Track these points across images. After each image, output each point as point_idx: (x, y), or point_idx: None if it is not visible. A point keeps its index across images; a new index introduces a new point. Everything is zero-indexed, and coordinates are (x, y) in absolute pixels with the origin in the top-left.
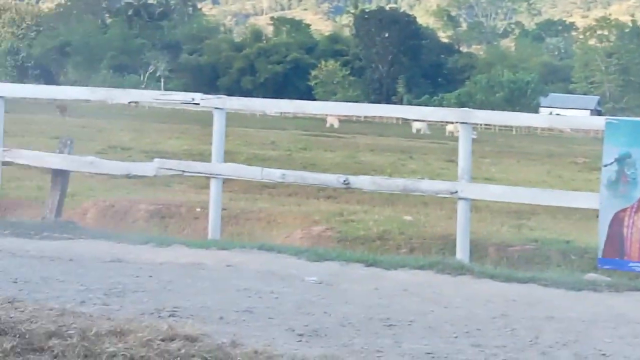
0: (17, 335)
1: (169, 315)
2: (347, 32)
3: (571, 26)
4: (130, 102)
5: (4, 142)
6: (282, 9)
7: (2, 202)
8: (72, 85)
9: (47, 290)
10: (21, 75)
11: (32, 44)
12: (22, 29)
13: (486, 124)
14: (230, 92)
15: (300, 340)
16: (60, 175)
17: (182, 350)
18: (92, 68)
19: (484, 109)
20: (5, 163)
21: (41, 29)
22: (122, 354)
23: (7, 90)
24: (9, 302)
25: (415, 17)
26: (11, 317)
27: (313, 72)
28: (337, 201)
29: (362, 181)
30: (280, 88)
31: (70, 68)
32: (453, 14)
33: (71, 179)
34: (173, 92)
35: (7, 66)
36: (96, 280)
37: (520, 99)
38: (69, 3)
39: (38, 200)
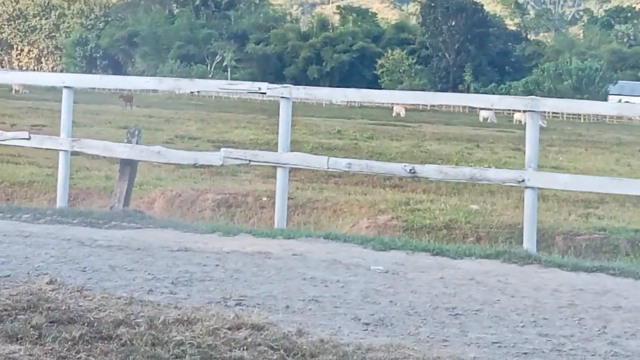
0: (86, 324)
1: (236, 304)
2: (413, 21)
3: None
4: (192, 92)
5: (73, 132)
6: None
7: (71, 192)
8: (139, 75)
9: (115, 279)
10: (90, 65)
11: (100, 35)
12: (90, 20)
13: (554, 112)
14: (297, 82)
15: (366, 329)
16: (128, 165)
17: (249, 339)
18: (159, 58)
19: (552, 97)
20: (74, 153)
21: (109, 19)
22: (189, 343)
23: (75, 80)
24: (77, 291)
25: (482, 5)
26: (80, 306)
27: (379, 61)
28: (403, 190)
29: (428, 170)
30: (346, 77)
31: (137, 58)
32: (520, 1)
33: (139, 168)
34: (239, 82)
35: (75, 57)
36: (164, 269)
37: (589, 86)
38: None
39: (106, 190)
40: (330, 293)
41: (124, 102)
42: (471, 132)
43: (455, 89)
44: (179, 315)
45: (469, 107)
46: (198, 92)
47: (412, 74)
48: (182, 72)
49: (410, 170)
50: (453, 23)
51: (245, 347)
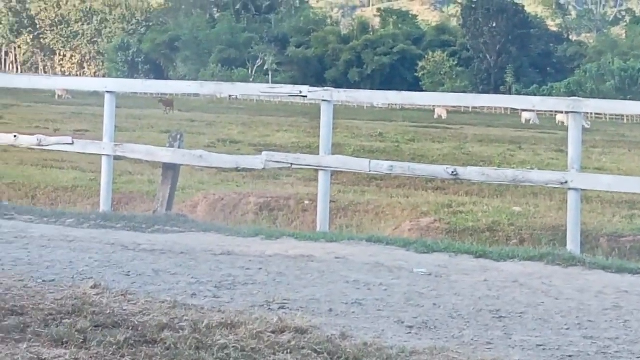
0: (130, 328)
1: (279, 308)
2: (454, 22)
3: None
4: (231, 96)
5: (115, 137)
6: (389, 0)
7: (115, 196)
8: (181, 79)
9: (159, 283)
10: (131, 70)
11: (142, 40)
12: (132, 25)
13: (597, 113)
14: (338, 85)
15: (409, 332)
16: (170, 169)
17: (292, 343)
18: (200, 62)
19: (594, 98)
20: (117, 158)
21: (151, 24)
22: (233, 346)
23: (117, 85)
24: (122, 295)
25: (523, 6)
26: (124, 310)
27: (420, 63)
28: (446, 192)
29: (470, 172)
30: (387, 79)
31: (179, 62)
32: (562, 2)
33: (181, 172)
34: (281, 85)
35: (117, 62)
36: (207, 272)
37: (632, 87)
38: None
39: (149, 194)
40: (373, 296)
41: (164, 106)
42: (513, 134)
43: (496, 91)
44: (222, 318)
45: (511, 108)
46: (238, 96)
47: (454, 76)
48: (224, 76)
49: (453, 172)
50: (494, 24)
51: (289, 351)
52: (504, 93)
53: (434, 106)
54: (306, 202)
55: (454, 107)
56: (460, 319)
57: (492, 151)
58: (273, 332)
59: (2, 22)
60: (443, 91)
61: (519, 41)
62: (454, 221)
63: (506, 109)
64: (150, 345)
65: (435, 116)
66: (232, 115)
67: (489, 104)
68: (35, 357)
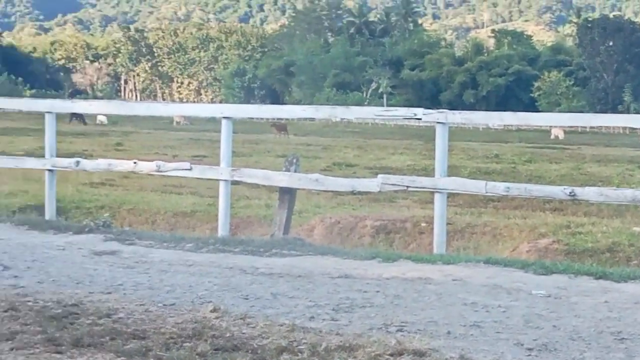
0: (250, 351)
1: (397, 330)
2: (569, 42)
3: None
4: (342, 119)
5: (232, 162)
6: (503, 21)
7: (233, 221)
8: (296, 104)
9: (277, 307)
10: (247, 95)
11: (257, 65)
12: (247, 51)
13: None
14: (452, 106)
15: (529, 355)
16: (287, 193)
17: None
18: (315, 87)
19: None
20: (234, 182)
21: (266, 50)
22: None
23: (233, 111)
24: (241, 319)
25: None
26: (243, 333)
27: (536, 84)
28: (564, 213)
29: (588, 192)
30: (502, 101)
31: (294, 87)
32: None
33: (298, 196)
34: (395, 108)
35: (234, 87)
36: (324, 295)
37: None
38: (292, 23)
39: (266, 218)
40: (491, 318)
41: (277, 131)
42: (632, 153)
43: (614, 110)
44: (340, 342)
45: (629, 128)
46: (353, 119)
47: (570, 96)
48: (339, 100)
49: (570, 193)
50: (611, 43)
51: None
52: (621, 112)
53: (550, 127)
54: (423, 224)
55: (570, 127)
56: (580, 341)
57: (610, 171)
58: (391, 355)
59: (122, 51)
60: (559, 111)
61: (637, 59)
62: (573, 242)
63: (624, 128)
64: None
65: (552, 137)
66: (347, 139)
67: (606, 124)
68: None
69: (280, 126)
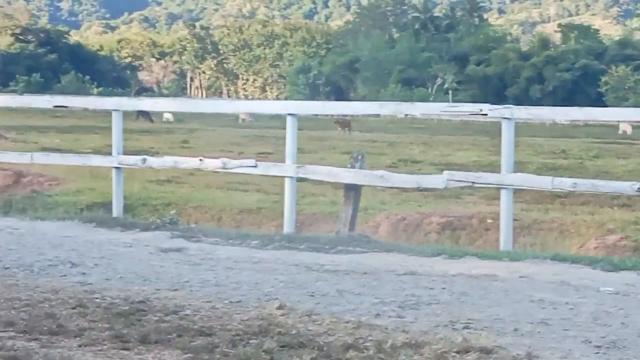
0: (316, 348)
1: (463, 327)
2: (637, 36)
3: None
4: (406, 115)
5: (297, 158)
6: (570, 15)
7: (298, 218)
8: (361, 100)
9: (343, 303)
10: (312, 92)
11: (322, 62)
12: (312, 48)
13: None
14: (518, 102)
15: (597, 352)
16: (352, 190)
17: None
18: (380, 83)
19: None
20: (299, 179)
21: (331, 46)
22: None
23: (298, 107)
24: (307, 316)
25: None
26: (309, 330)
27: (603, 78)
28: (632, 209)
29: None
30: (569, 96)
31: (359, 84)
32: None
33: (363, 192)
34: (461, 104)
35: (299, 84)
36: (390, 292)
37: None
38: (357, 20)
39: (332, 215)
40: (559, 315)
41: (340, 127)
42: None
43: None
44: (406, 339)
45: None
46: (418, 115)
47: (638, 90)
48: (404, 96)
49: (639, 188)
50: None
51: None
52: None
53: (618, 121)
54: (489, 220)
55: (638, 122)
56: None
57: None
58: (457, 352)
59: (187, 48)
60: (627, 106)
61: None
62: None
63: None
64: None
65: (620, 132)
66: (412, 135)
67: None
68: None
69: (344, 122)
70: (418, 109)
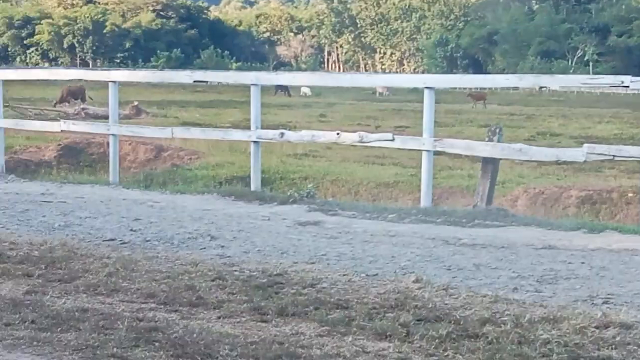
0: (452, 322)
1: (603, 302)
2: None
3: None
4: (541, 88)
5: (435, 132)
6: None
7: (435, 191)
8: (499, 73)
9: (479, 277)
10: (450, 65)
11: (460, 35)
12: (450, 21)
13: None
14: None
15: None
16: (490, 163)
17: (617, 338)
18: (519, 55)
19: None
20: (436, 153)
21: (469, 19)
22: (556, 341)
23: (436, 81)
24: (443, 289)
25: None
26: (446, 304)
27: None
28: None
29: None
30: None
31: (497, 56)
32: None
33: (501, 166)
34: (601, 76)
35: (436, 57)
36: (528, 267)
37: None
38: None
39: (469, 189)
40: None
41: (473, 100)
42: None
43: None
44: (544, 313)
45: None
46: (557, 88)
47: None
48: (543, 69)
49: None
50: None
51: (613, 346)
52: None
53: None
54: (630, 194)
55: None
56: None
57: None
58: (597, 328)
59: (325, 22)
60: None
61: None
62: None
63: None
64: (472, 340)
65: None
66: (552, 108)
67: None
68: (360, 349)
69: (478, 95)
70: (557, 82)
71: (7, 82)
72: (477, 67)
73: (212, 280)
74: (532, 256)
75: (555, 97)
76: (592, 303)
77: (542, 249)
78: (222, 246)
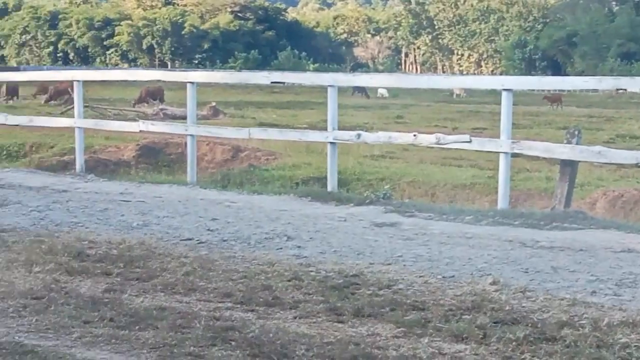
0: (530, 325)
1: None
2: None
3: None
4: (618, 90)
5: (512, 134)
6: None
7: (512, 194)
8: (578, 75)
9: (557, 280)
10: (528, 67)
11: (538, 36)
12: (529, 22)
13: None
14: None
15: None
16: (568, 166)
17: None
18: (598, 57)
19: None
20: (514, 155)
21: (548, 20)
22: (635, 345)
23: (514, 83)
24: (520, 292)
25: None
26: (523, 307)
27: None
28: None
29: None
30: None
31: (576, 58)
32: None
33: (579, 168)
34: None
35: (514, 59)
36: (607, 270)
37: None
38: None
39: (547, 191)
40: None
41: (549, 102)
42: None
43: None
44: (623, 317)
45: None
46: (634, 90)
47: None
48: (623, 71)
49: None
50: None
51: None
52: None
53: None
54: None
55: None
56: None
57: None
58: None
59: (402, 24)
60: None
61: None
62: None
63: None
64: (550, 343)
65: None
66: (632, 110)
67: None
68: (437, 351)
69: (553, 97)
70: (638, 84)
71: (87, 83)
72: (556, 69)
73: (289, 281)
74: (610, 259)
75: (635, 99)
76: None
77: (621, 252)
78: (299, 246)
